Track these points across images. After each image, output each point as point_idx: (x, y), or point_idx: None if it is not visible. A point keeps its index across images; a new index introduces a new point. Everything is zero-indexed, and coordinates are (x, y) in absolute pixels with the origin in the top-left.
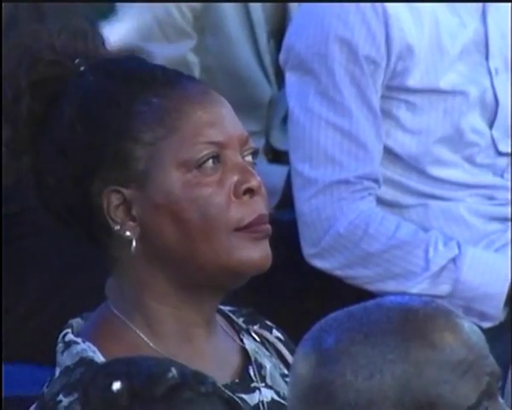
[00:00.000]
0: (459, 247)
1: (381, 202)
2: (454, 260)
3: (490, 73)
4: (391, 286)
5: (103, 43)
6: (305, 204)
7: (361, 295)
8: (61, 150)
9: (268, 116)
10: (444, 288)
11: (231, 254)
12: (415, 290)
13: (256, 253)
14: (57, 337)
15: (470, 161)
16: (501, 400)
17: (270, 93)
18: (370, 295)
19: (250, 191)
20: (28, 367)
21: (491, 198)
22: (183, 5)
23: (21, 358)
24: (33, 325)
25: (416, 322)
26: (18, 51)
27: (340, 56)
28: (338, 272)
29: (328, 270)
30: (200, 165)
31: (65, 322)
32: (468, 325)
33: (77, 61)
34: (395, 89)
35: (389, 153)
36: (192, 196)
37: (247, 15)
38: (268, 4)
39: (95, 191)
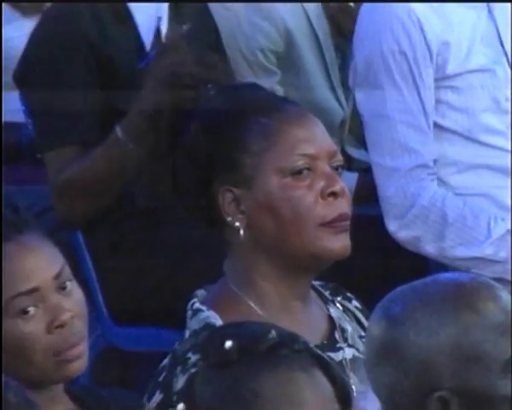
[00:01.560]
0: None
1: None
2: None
3: (506, 54)
4: (461, 252)
5: (230, 74)
6: (390, 189)
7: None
8: (189, 157)
9: (340, 132)
10: (501, 254)
11: (316, 243)
12: (479, 255)
13: (336, 243)
14: (184, 305)
15: (504, 127)
16: None
17: (341, 114)
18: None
19: (334, 194)
20: (155, 329)
21: None
22: (267, 49)
23: (151, 323)
24: (162, 295)
25: (464, 294)
26: (162, 69)
27: (394, 65)
28: (421, 244)
29: (412, 240)
30: (295, 172)
31: (189, 293)
32: (506, 295)
33: (209, 86)
34: (439, 79)
35: (447, 131)
36: (287, 197)
37: (321, 53)
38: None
39: (213, 190)
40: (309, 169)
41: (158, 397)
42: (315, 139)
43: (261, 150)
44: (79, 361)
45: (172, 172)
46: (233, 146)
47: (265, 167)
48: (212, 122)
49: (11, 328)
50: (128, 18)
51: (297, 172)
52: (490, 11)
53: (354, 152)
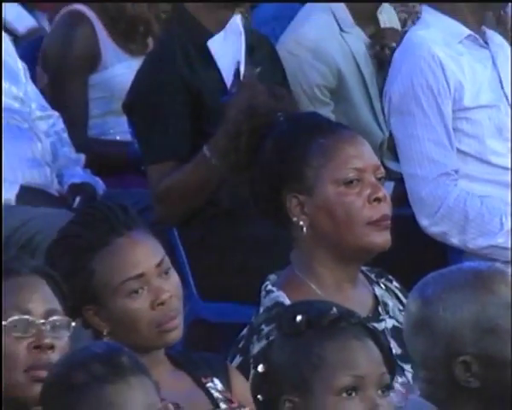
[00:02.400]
0: None
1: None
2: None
3: (506, 95)
4: (480, 242)
5: (295, 104)
6: (422, 192)
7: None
8: (263, 170)
9: (380, 149)
10: (508, 246)
11: (364, 239)
12: (494, 243)
13: (380, 238)
14: (259, 286)
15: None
16: None
17: (381, 136)
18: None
19: (378, 199)
20: (235, 305)
21: None
22: (322, 86)
23: (231, 300)
24: (241, 278)
25: (482, 278)
26: (241, 102)
27: (423, 96)
28: (448, 237)
29: (441, 234)
30: (347, 182)
31: (264, 277)
32: None
33: (279, 114)
34: (456, 111)
35: (462, 153)
36: (341, 202)
37: (365, 87)
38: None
39: (282, 196)
40: (358, 180)
41: (238, 360)
42: (363, 156)
43: (320, 165)
44: (176, 331)
45: (250, 181)
46: (298, 162)
47: (323, 178)
48: (282, 143)
49: (122, 306)
50: (212, 61)
51: (349, 182)
52: (494, 62)
53: (391, 164)
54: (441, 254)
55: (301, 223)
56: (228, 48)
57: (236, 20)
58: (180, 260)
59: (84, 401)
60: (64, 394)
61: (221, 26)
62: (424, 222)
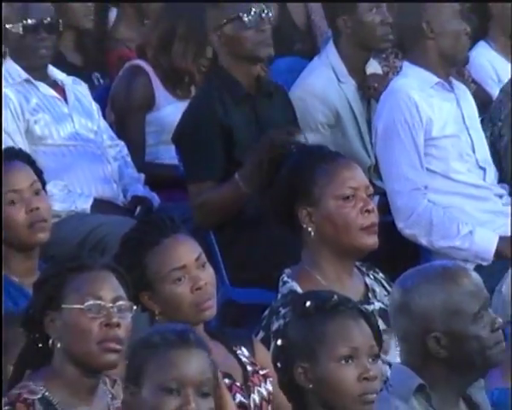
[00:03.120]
0: (473, 226)
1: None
2: (471, 232)
3: (467, 128)
4: (442, 243)
5: (304, 138)
6: (398, 203)
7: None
8: (280, 189)
9: (369, 172)
10: (465, 245)
11: (358, 241)
12: (452, 245)
13: (370, 241)
14: (278, 277)
15: (469, 170)
16: (490, 310)
17: (369, 162)
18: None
19: (368, 211)
20: (259, 291)
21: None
22: (324, 124)
23: (256, 286)
24: (263, 270)
25: (449, 273)
26: (263, 139)
27: (401, 129)
28: (418, 238)
29: (412, 235)
30: (344, 198)
31: (281, 270)
32: (474, 274)
33: (292, 146)
34: (427, 140)
35: (433, 172)
36: (340, 213)
37: (357, 123)
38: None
39: (295, 209)
40: (353, 196)
41: (261, 335)
42: (356, 177)
43: (324, 185)
44: (211, 311)
45: (270, 198)
46: (306, 182)
47: (326, 195)
48: (294, 168)
49: (169, 291)
50: (241, 104)
51: (346, 198)
52: (458, 102)
53: (377, 182)
54: (415, 251)
55: (309, 229)
56: None
57: None
58: (215, 256)
59: (155, 358)
60: (142, 350)
61: (247, 76)
62: (400, 225)
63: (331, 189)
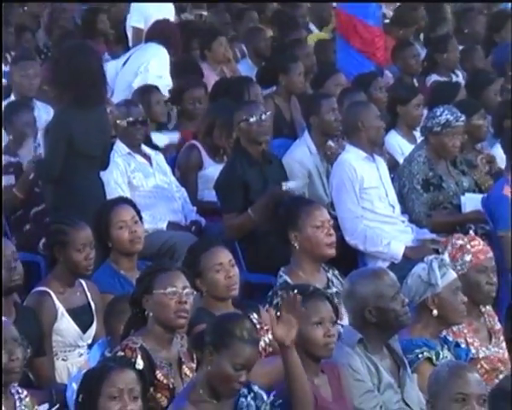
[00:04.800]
0: (389, 239)
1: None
2: (388, 243)
3: (383, 182)
4: (371, 249)
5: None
6: (346, 225)
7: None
8: (279, 220)
9: (328, 207)
10: (385, 250)
11: (325, 251)
12: (377, 250)
13: (331, 251)
14: (276, 270)
15: (385, 207)
16: (401, 294)
17: (328, 201)
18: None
19: (331, 234)
20: (266, 276)
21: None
22: (303, 179)
23: (265, 273)
24: (269, 263)
25: (376, 272)
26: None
27: (346, 184)
28: (357, 246)
29: (354, 245)
30: (318, 227)
31: (279, 267)
32: (391, 273)
33: (286, 195)
34: (360, 189)
35: (365, 208)
36: (314, 236)
37: (321, 178)
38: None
39: (288, 231)
40: (322, 225)
41: (266, 307)
42: (323, 214)
43: (304, 218)
44: (235, 291)
45: (273, 225)
46: (294, 217)
47: (306, 225)
48: (287, 208)
49: (211, 277)
50: (254, 166)
51: (318, 227)
52: (377, 168)
53: (333, 212)
54: (355, 254)
55: (295, 245)
56: None
57: None
58: (238, 255)
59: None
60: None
61: (256, 151)
62: (347, 239)
63: (309, 221)
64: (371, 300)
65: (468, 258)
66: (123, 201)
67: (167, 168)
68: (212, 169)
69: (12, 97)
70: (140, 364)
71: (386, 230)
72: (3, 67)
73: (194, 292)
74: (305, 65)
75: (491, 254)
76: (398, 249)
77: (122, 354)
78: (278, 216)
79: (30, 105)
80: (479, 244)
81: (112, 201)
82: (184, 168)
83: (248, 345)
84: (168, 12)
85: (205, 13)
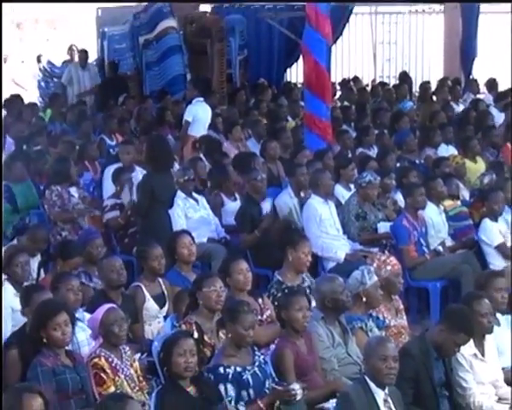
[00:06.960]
0: (336, 249)
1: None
2: (336, 251)
3: (333, 217)
4: (326, 255)
5: None
6: (312, 241)
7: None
8: (278, 241)
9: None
10: (334, 256)
11: (305, 268)
12: (330, 256)
13: (307, 266)
14: (273, 270)
15: (335, 230)
16: (346, 290)
17: (300, 225)
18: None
19: (308, 253)
20: (267, 270)
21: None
22: (288, 211)
23: (267, 268)
24: (271, 264)
25: (331, 277)
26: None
27: (314, 214)
28: (318, 252)
29: (316, 252)
30: (303, 252)
31: (275, 269)
32: (340, 278)
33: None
34: (319, 220)
35: (322, 232)
36: (299, 256)
37: (297, 212)
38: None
39: (286, 250)
40: (308, 253)
41: (267, 294)
42: (305, 243)
43: (295, 245)
44: (249, 285)
45: (277, 240)
46: (290, 243)
47: (296, 250)
48: (291, 233)
49: (234, 276)
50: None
51: (305, 254)
52: (329, 207)
53: None
54: (317, 259)
55: (289, 256)
56: None
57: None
58: (248, 259)
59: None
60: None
61: (259, 196)
62: (313, 250)
63: (298, 247)
64: (329, 294)
65: (389, 267)
66: (184, 231)
67: (207, 206)
68: (231, 206)
69: (120, 164)
70: (195, 334)
71: (334, 244)
72: (108, 141)
73: (226, 289)
74: (286, 143)
75: (400, 266)
76: (341, 255)
77: (184, 326)
78: (283, 236)
79: (131, 168)
80: (394, 259)
81: (177, 232)
82: (213, 206)
83: (249, 315)
84: (207, 111)
85: (224, 107)
